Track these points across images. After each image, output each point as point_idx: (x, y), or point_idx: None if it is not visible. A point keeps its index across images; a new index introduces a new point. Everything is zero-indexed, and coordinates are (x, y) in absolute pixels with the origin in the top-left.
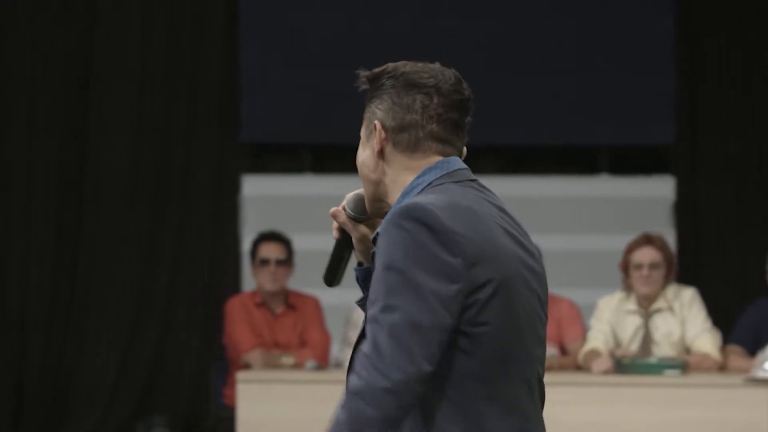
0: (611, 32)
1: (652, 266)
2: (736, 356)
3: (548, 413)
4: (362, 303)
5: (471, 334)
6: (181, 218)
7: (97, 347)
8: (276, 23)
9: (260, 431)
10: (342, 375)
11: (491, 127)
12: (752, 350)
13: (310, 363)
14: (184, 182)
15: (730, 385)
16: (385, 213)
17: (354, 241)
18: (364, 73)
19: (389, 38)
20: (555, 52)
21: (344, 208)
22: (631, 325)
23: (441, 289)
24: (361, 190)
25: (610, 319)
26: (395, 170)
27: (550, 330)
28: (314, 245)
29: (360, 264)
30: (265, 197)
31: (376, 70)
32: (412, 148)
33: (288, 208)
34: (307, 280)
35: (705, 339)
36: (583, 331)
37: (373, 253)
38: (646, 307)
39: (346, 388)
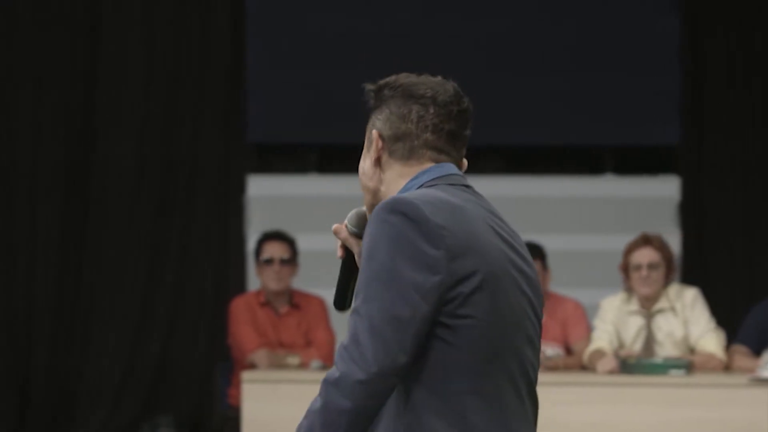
0: (617, 32)
1: (651, 267)
2: (742, 356)
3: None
4: None
5: (454, 327)
6: (187, 218)
7: (103, 347)
8: (281, 24)
9: (265, 431)
10: None
11: (496, 127)
12: (758, 350)
13: (316, 363)
14: (190, 182)
15: (735, 385)
16: None
17: (356, 257)
18: (369, 87)
19: (393, 39)
20: (560, 52)
21: (346, 226)
22: (633, 326)
23: (421, 280)
24: (362, 207)
25: (613, 320)
26: (390, 177)
27: (556, 330)
28: (319, 245)
29: None
30: (270, 197)
31: (381, 82)
32: (407, 156)
33: (293, 208)
34: (312, 279)
35: (709, 339)
36: (588, 332)
37: None
38: (648, 307)
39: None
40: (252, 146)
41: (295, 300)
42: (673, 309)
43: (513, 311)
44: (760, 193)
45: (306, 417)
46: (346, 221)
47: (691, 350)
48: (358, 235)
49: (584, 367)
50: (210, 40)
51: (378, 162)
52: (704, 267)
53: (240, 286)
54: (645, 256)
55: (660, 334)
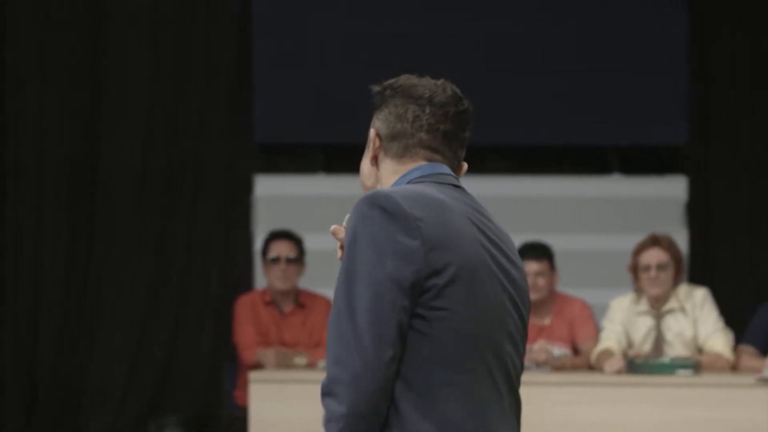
0: (623, 32)
1: (660, 267)
2: (749, 356)
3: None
4: None
5: (429, 319)
6: (193, 219)
7: (109, 347)
8: (288, 23)
9: (273, 431)
10: None
11: (502, 128)
12: (764, 350)
13: (323, 363)
14: (197, 182)
15: (742, 385)
16: None
17: None
18: (375, 88)
19: (399, 39)
20: (566, 52)
21: (345, 227)
22: (643, 326)
23: (400, 271)
24: None
25: (622, 320)
26: (385, 175)
27: (563, 330)
28: (326, 245)
29: None
30: (278, 197)
31: (384, 83)
32: (401, 154)
33: (300, 208)
34: (319, 279)
35: (717, 339)
36: (596, 332)
37: None
38: (658, 308)
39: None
40: (259, 146)
41: (300, 299)
42: (682, 309)
43: (491, 306)
44: (766, 193)
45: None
46: (344, 222)
47: (699, 350)
48: None
49: (592, 368)
50: (216, 40)
51: (375, 160)
52: (711, 267)
53: (247, 286)
54: (654, 256)
55: (669, 335)
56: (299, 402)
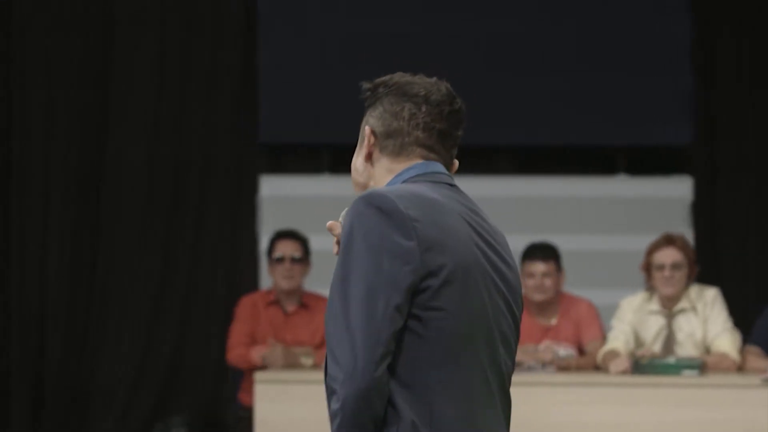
0: (628, 32)
1: (674, 267)
2: (754, 357)
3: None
4: None
5: (423, 318)
6: (199, 219)
7: (116, 348)
8: (294, 23)
9: (278, 431)
10: None
11: (508, 128)
12: None
13: None
14: (203, 183)
15: (747, 386)
16: None
17: None
18: (366, 85)
19: (406, 39)
20: (572, 52)
21: (341, 222)
22: (654, 326)
23: (395, 271)
24: None
25: (632, 320)
26: (379, 173)
27: (569, 330)
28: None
29: None
30: (284, 197)
31: (376, 81)
32: (397, 152)
33: (306, 208)
34: (324, 280)
35: (724, 339)
36: (602, 332)
37: None
38: (670, 307)
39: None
40: (265, 146)
41: (304, 300)
42: (694, 309)
43: (485, 306)
44: None
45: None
46: (340, 218)
47: (707, 350)
48: None
49: (598, 368)
50: (222, 40)
51: (369, 158)
52: (717, 267)
53: (253, 287)
54: (668, 256)
55: (681, 335)
56: (304, 402)
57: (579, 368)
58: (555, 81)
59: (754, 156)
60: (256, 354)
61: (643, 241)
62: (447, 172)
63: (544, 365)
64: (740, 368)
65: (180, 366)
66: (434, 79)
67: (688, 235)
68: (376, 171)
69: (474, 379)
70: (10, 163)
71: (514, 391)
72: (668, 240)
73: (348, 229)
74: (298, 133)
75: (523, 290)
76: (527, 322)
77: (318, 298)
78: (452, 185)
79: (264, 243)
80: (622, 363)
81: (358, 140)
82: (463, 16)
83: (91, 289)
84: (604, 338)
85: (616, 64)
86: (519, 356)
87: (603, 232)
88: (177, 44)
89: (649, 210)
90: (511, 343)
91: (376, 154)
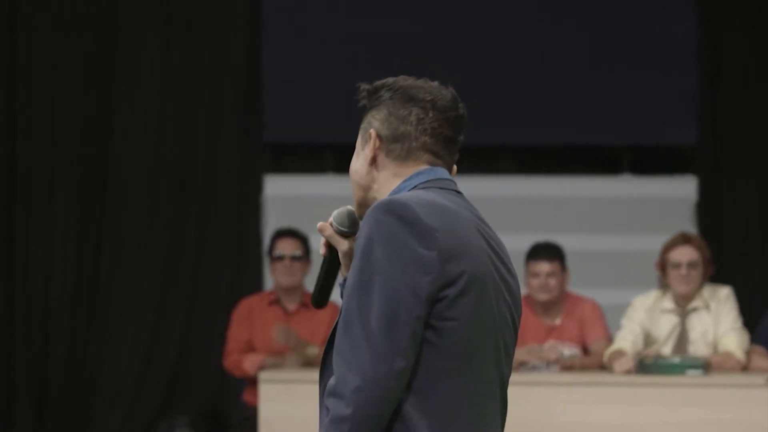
0: (633, 32)
1: (691, 265)
2: (759, 356)
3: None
4: None
5: (438, 328)
6: (204, 218)
7: (120, 347)
8: (298, 23)
9: (282, 431)
10: None
11: (512, 127)
12: None
13: None
14: (207, 182)
15: (751, 386)
16: None
17: (340, 255)
18: (364, 86)
19: (410, 40)
20: (576, 51)
21: (331, 223)
22: (667, 324)
23: (416, 281)
24: (347, 207)
25: (643, 319)
26: (385, 176)
27: (573, 330)
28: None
29: (345, 279)
30: (288, 197)
31: (377, 83)
32: (404, 157)
33: (310, 208)
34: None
35: (731, 338)
36: (606, 332)
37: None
38: (683, 306)
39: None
40: (269, 146)
41: (305, 300)
42: (707, 307)
43: (494, 317)
44: None
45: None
46: (331, 219)
47: (715, 347)
48: (344, 234)
49: (604, 367)
50: (226, 40)
51: (374, 161)
52: (720, 267)
53: (257, 286)
54: (685, 254)
55: (693, 334)
56: (309, 402)
57: (583, 368)
58: (559, 81)
59: (759, 156)
60: (249, 364)
61: (647, 241)
62: (452, 179)
63: (548, 365)
64: (745, 368)
65: (184, 365)
66: (437, 83)
67: None
68: (381, 175)
69: (483, 388)
70: (15, 163)
71: (517, 390)
72: (685, 238)
73: (366, 237)
74: (301, 133)
75: (528, 290)
76: (532, 321)
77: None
78: (459, 192)
79: (268, 242)
80: (627, 363)
81: (357, 142)
82: (465, 16)
83: (96, 288)
84: (608, 338)
85: (620, 64)
86: (523, 356)
87: (607, 231)
88: (181, 45)
89: (653, 210)
90: (511, 351)
91: (381, 158)
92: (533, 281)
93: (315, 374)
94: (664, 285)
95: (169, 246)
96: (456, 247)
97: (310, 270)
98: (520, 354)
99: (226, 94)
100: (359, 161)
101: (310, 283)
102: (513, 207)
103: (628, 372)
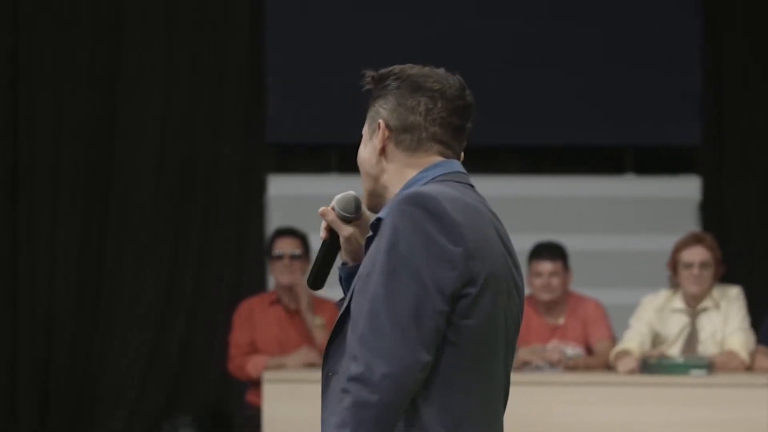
0: (637, 32)
1: (703, 266)
2: (763, 356)
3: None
4: (342, 302)
5: (458, 326)
6: (207, 219)
7: (123, 347)
8: (301, 23)
9: (285, 431)
10: None
11: (516, 127)
12: None
13: None
14: (210, 183)
15: (755, 385)
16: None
17: (341, 240)
18: (369, 73)
19: (414, 39)
20: (581, 51)
21: (333, 208)
22: (677, 324)
23: (441, 275)
24: (350, 191)
25: (652, 318)
26: (396, 167)
27: (576, 330)
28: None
29: (344, 263)
30: (291, 197)
31: (383, 71)
32: (414, 147)
33: (314, 208)
34: (332, 280)
35: (736, 337)
36: (609, 331)
37: (368, 239)
38: (694, 306)
39: (347, 374)
40: (273, 146)
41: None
42: (717, 307)
43: (505, 315)
44: None
45: (334, 414)
46: (333, 203)
47: (722, 347)
48: (347, 219)
49: (609, 367)
50: (230, 40)
51: (383, 151)
52: (724, 267)
53: (260, 286)
54: (697, 254)
55: (703, 334)
56: (312, 402)
57: (587, 368)
58: (561, 80)
59: (762, 156)
60: (253, 367)
61: (650, 241)
62: (466, 172)
63: (551, 365)
64: (749, 368)
65: (187, 366)
66: (443, 70)
67: None
68: (391, 165)
69: (493, 387)
70: (18, 163)
71: (520, 390)
72: (697, 238)
73: (392, 227)
74: (305, 132)
75: (531, 289)
76: (535, 321)
77: (321, 300)
78: (472, 186)
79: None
80: (630, 362)
81: (363, 132)
82: (467, 17)
83: (99, 288)
84: (612, 337)
85: (624, 64)
86: (527, 356)
87: (609, 231)
88: (184, 45)
89: (657, 210)
90: (514, 348)
91: (390, 149)
92: (536, 281)
93: (318, 375)
94: (674, 284)
95: (173, 246)
96: (479, 244)
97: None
98: (523, 353)
99: (229, 93)
100: (368, 151)
101: None
102: (515, 207)
103: (631, 372)
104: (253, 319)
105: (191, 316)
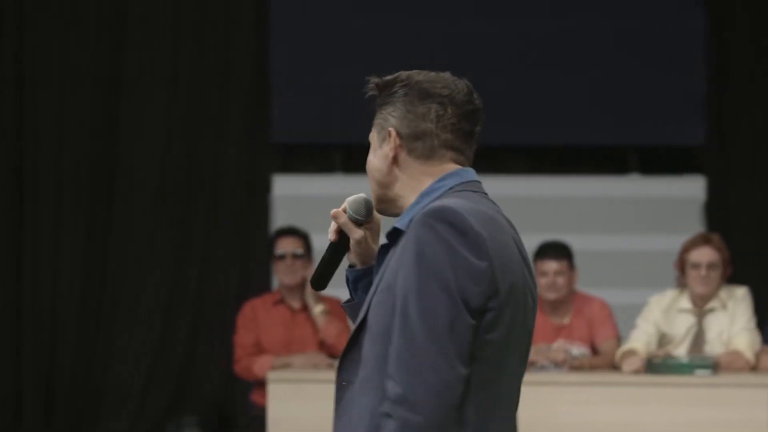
0: (642, 32)
1: (710, 266)
2: (767, 356)
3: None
4: (348, 304)
5: (481, 341)
6: (212, 219)
7: (128, 348)
8: (306, 23)
9: (290, 431)
10: None
11: (521, 127)
12: None
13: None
14: (215, 183)
15: (760, 385)
16: (394, 213)
17: (352, 243)
18: (374, 80)
19: (419, 39)
20: (584, 51)
21: (345, 210)
22: (683, 324)
23: (468, 290)
24: (362, 194)
25: (658, 319)
26: (410, 175)
27: (582, 330)
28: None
29: (352, 266)
30: (296, 197)
31: (387, 77)
32: (427, 155)
33: (318, 207)
34: (336, 279)
35: (742, 337)
36: (615, 331)
37: (382, 247)
38: (701, 306)
39: (387, 396)
40: (277, 146)
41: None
42: (724, 307)
43: (522, 327)
44: None
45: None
46: (345, 205)
47: (728, 347)
48: (359, 222)
49: (615, 367)
50: (234, 40)
51: (395, 159)
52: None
53: (265, 287)
54: (705, 255)
55: (710, 334)
56: (317, 402)
57: (592, 368)
58: (566, 80)
59: (767, 155)
60: (259, 368)
61: (655, 241)
62: (479, 180)
63: (557, 365)
64: (754, 368)
65: (192, 366)
66: (448, 74)
67: None
68: (404, 174)
69: (507, 398)
70: (22, 165)
71: (524, 390)
72: (705, 239)
73: (418, 243)
74: (310, 132)
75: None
76: (540, 321)
77: (328, 300)
78: (485, 194)
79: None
80: (635, 362)
81: (370, 138)
82: (471, 17)
83: (104, 289)
84: (617, 337)
85: (629, 64)
86: (532, 355)
87: (614, 231)
88: (189, 45)
89: (662, 210)
90: (527, 357)
91: (402, 157)
92: (541, 280)
93: (323, 374)
94: (681, 284)
95: (177, 246)
96: (502, 258)
97: (312, 268)
98: None
99: (233, 94)
100: (378, 159)
101: None
102: (520, 207)
103: (636, 372)
104: (257, 320)
105: (196, 316)
